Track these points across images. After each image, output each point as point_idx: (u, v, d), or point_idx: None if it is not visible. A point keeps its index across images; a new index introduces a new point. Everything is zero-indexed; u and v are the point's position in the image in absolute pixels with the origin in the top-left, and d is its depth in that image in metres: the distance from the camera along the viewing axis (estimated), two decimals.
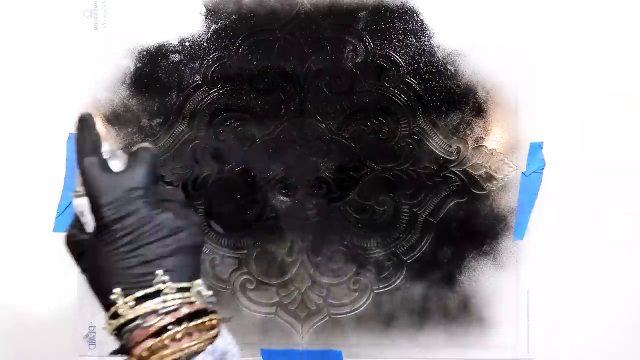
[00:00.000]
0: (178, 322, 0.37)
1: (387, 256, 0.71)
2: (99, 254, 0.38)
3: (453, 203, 0.71)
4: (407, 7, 0.71)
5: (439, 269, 0.71)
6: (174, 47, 0.71)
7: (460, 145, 0.71)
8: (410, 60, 0.71)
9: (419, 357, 0.71)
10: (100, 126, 0.70)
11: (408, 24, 0.71)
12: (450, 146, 0.71)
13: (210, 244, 0.71)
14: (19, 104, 0.71)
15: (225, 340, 0.39)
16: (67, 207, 0.70)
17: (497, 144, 0.71)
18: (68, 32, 0.71)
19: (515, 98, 0.71)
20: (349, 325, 0.71)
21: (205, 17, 0.71)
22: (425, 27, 0.71)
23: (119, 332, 0.38)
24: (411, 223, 0.71)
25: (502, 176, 0.70)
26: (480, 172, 0.71)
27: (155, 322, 0.37)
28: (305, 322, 0.71)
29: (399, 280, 0.71)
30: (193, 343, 0.37)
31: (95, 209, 0.38)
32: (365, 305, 0.71)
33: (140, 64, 0.71)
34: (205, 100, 0.71)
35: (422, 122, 0.71)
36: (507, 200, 0.71)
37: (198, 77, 0.70)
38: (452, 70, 0.71)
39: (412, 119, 0.71)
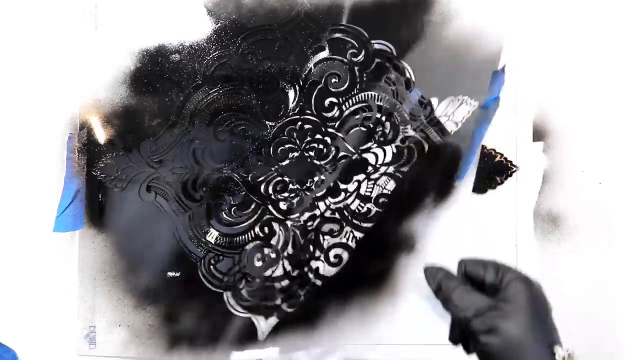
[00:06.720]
0: None
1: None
2: None
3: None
4: (406, 7, 0.71)
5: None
6: (174, 47, 0.71)
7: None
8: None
9: (420, 357, 0.71)
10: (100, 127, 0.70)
11: (408, 22, 0.71)
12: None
13: (210, 243, 0.71)
14: (19, 104, 0.71)
15: None
16: (67, 207, 0.70)
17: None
18: (68, 32, 0.71)
19: (515, 98, 0.71)
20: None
21: (205, 17, 0.71)
22: (424, 27, 0.71)
23: None
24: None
25: (458, 121, 0.70)
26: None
27: None
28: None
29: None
30: None
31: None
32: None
33: (140, 64, 0.71)
34: (205, 100, 0.71)
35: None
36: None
37: (198, 77, 0.70)
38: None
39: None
